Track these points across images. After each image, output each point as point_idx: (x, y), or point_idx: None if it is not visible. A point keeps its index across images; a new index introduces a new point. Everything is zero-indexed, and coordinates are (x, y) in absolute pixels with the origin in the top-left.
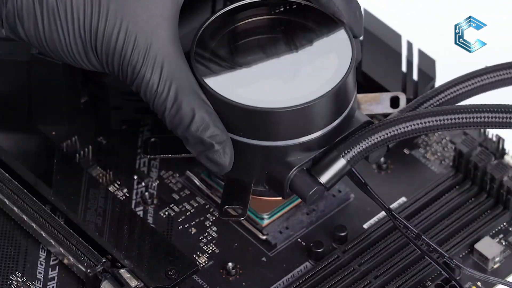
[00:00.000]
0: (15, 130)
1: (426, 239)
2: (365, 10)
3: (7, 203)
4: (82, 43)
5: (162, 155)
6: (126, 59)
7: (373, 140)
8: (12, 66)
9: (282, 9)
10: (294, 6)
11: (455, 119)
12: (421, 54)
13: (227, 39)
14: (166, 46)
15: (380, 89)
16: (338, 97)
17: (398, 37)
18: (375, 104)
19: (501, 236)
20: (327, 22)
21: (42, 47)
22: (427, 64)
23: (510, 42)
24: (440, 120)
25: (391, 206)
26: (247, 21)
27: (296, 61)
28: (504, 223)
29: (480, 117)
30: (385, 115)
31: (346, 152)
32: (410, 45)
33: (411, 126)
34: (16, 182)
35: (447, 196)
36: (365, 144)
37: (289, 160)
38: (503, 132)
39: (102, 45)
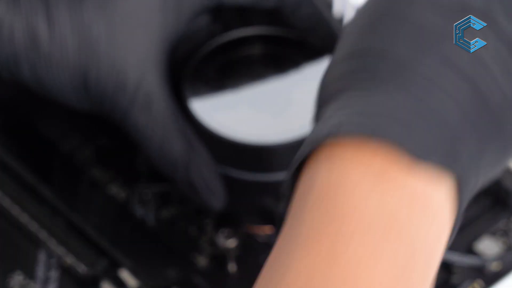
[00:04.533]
0: (15, 130)
1: None
2: None
3: (7, 203)
4: (76, 87)
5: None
6: (116, 102)
7: None
8: None
9: (272, 42)
10: (284, 39)
11: None
12: None
13: (220, 72)
14: (153, 90)
15: None
16: None
17: None
18: None
19: (501, 236)
20: (315, 54)
21: (41, 91)
22: None
23: None
24: None
25: None
26: (238, 53)
27: (288, 93)
28: (504, 223)
29: None
30: None
31: None
32: None
33: None
34: (16, 183)
35: None
36: None
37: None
38: None
39: (94, 88)
